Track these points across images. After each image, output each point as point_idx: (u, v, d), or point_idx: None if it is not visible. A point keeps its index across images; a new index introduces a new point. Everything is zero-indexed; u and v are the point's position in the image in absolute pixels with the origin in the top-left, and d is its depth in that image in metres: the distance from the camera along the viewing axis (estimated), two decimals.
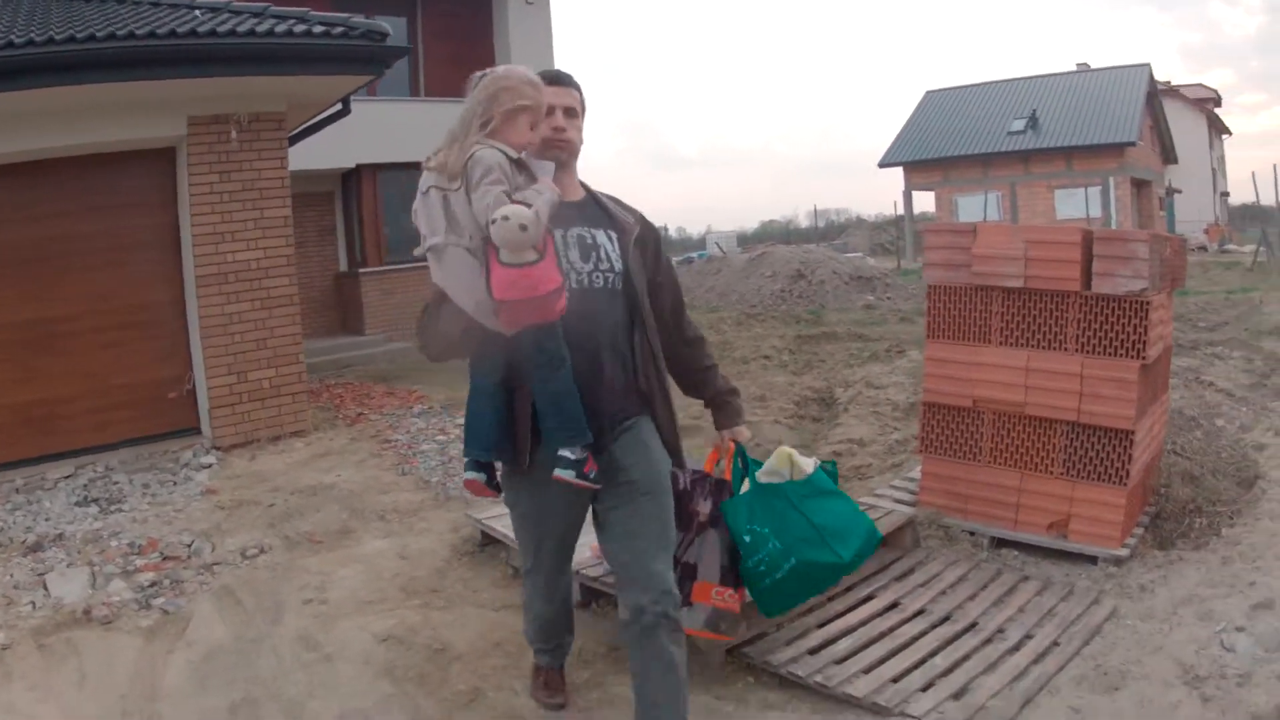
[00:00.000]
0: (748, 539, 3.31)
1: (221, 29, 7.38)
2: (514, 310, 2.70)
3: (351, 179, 14.84)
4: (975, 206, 36.76)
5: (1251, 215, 39.85)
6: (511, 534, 5.21)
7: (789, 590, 3.35)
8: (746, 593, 3.60)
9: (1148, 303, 4.98)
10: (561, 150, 3.06)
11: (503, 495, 3.22)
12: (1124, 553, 5.08)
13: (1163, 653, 4.08)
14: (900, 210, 40.81)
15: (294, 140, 9.49)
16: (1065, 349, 5.21)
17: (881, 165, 40.51)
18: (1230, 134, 57.57)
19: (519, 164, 2.86)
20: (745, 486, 3.44)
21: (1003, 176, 36.94)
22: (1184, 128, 45.88)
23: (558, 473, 2.86)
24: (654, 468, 3.09)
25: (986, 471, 5.49)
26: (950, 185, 38.57)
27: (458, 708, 3.91)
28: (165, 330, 7.98)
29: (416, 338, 3.05)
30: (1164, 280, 5.43)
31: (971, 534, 5.44)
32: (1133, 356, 5.02)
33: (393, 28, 8.48)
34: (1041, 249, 5.26)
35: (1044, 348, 5.28)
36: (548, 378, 2.85)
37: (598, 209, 3.15)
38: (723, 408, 3.51)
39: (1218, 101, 53.98)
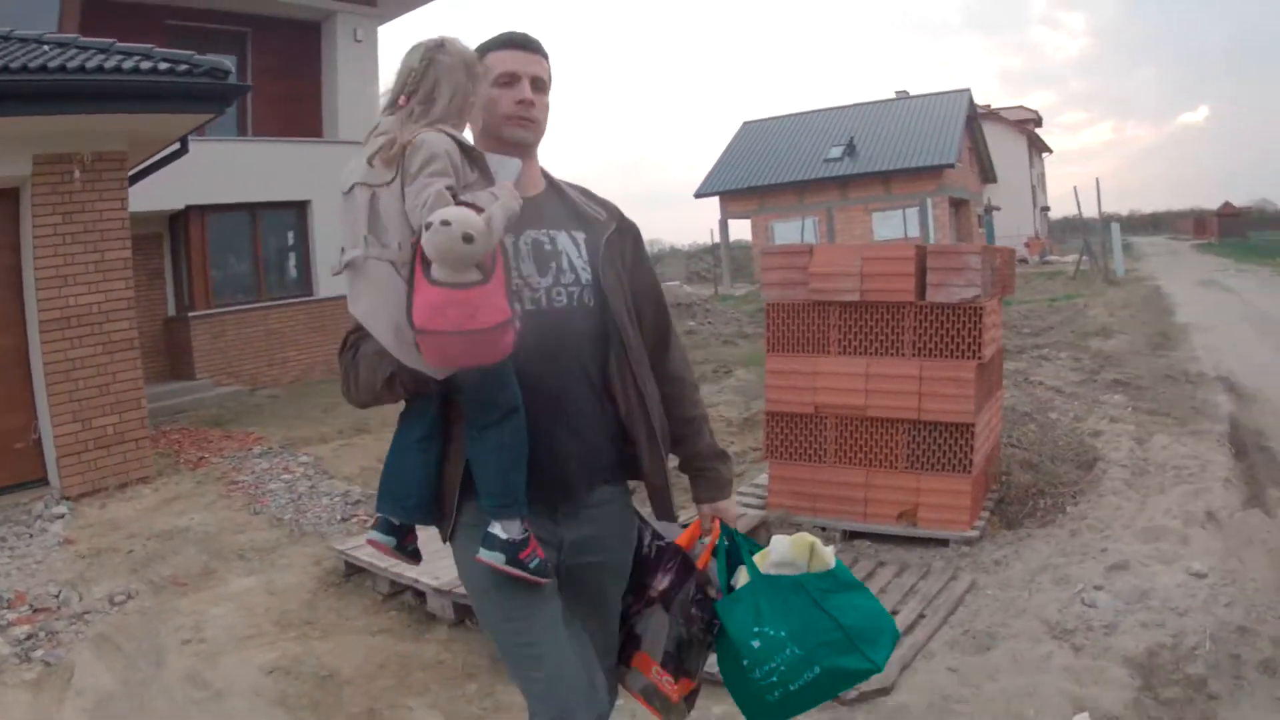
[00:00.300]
0: (756, 644, 2.55)
1: (71, 64, 7.26)
2: (441, 345, 1.99)
3: (179, 221, 14.39)
4: (792, 232, 37.41)
5: (1074, 227, 42.29)
6: (377, 560, 5.36)
7: (800, 701, 2.61)
8: (690, 685, 2.76)
9: (981, 308, 5.39)
10: (526, 130, 2.39)
11: (459, 573, 2.46)
12: (974, 534, 5.50)
13: (1027, 614, 4.48)
14: (716, 238, 41.44)
15: (132, 181, 9.30)
16: (903, 354, 5.59)
17: (698, 195, 40.96)
18: (1051, 152, 61.37)
19: (472, 157, 2.20)
20: (740, 579, 2.68)
21: (819, 202, 37.68)
22: (1004, 148, 48.42)
23: (481, 555, 2.20)
24: (628, 556, 2.55)
25: (832, 471, 5.83)
26: (767, 212, 39.09)
27: None
28: (9, 377, 7.67)
29: (341, 380, 2.35)
30: (995, 287, 5.88)
31: (823, 529, 5.73)
32: (969, 357, 5.42)
33: None
34: (877, 265, 5.66)
35: (882, 354, 5.64)
36: (488, 428, 2.20)
37: (560, 204, 2.49)
38: (705, 474, 2.68)
39: (1038, 122, 57.61)
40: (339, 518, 6.90)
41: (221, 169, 13.29)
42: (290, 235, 15.15)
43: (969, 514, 5.52)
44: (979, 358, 5.44)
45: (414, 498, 2.31)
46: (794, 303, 5.86)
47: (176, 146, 9.76)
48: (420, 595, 5.17)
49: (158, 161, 10.08)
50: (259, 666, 4.52)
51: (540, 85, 2.41)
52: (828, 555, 2.66)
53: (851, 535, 5.72)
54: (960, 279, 5.41)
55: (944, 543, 5.48)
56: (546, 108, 2.45)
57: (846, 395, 5.72)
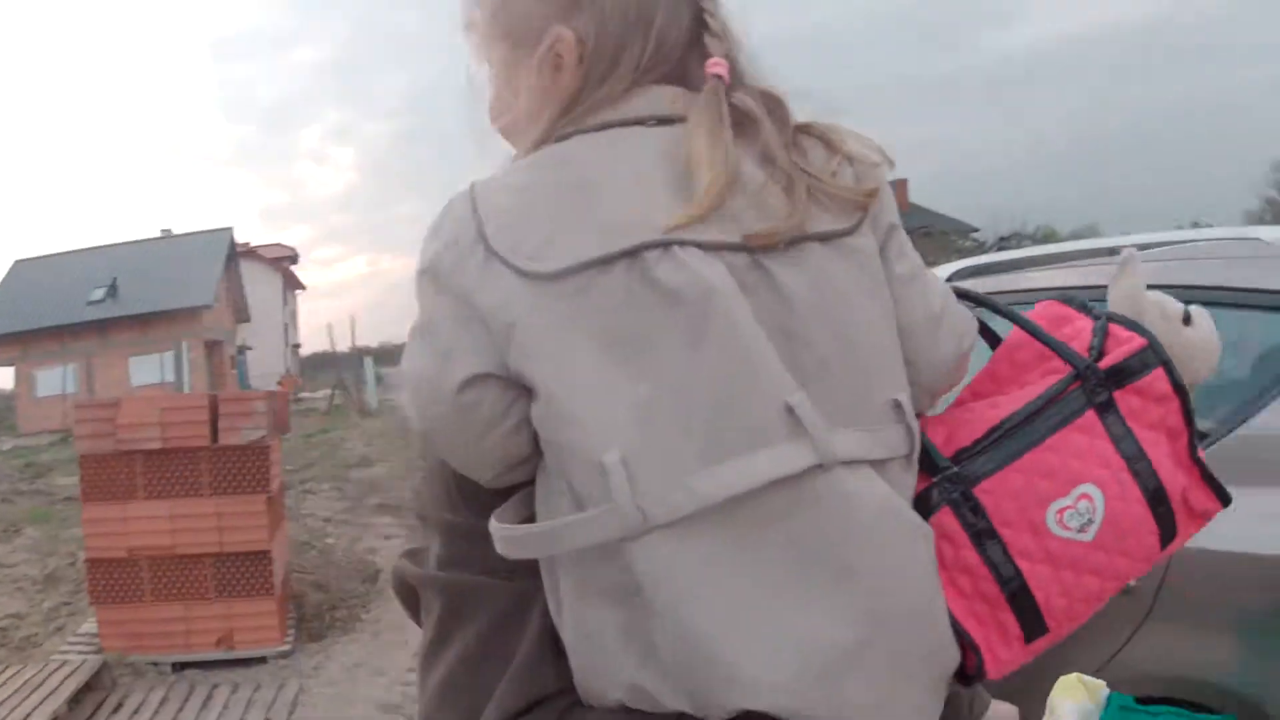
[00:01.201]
0: None
1: None
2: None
3: None
4: (54, 380, 35.87)
5: (326, 363, 43.68)
6: None
7: None
8: None
9: (268, 447, 6.25)
10: None
11: None
12: (288, 647, 6.26)
13: (358, 701, 5.42)
14: None
15: None
16: (202, 494, 6.20)
17: None
18: (304, 288, 62.96)
19: None
20: None
21: (81, 347, 36.51)
22: (260, 286, 49.53)
23: None
24: None
25: (152, 609, 6.19)
26: (31, 360, 37.06)
27: None
28: None
29: None
30: (275, 428, 6.76)
31: (155, 664, 6.10)
32: (260, 491, 6.23)
33: None
34: (175, 414, 6.24)
35: (184, 495, 6.21)
36: None
37: None
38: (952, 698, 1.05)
39: (294, 259, 58.66)
40: None
41: None
42: None
43: (279, 631, 6.24)
44: (268, 491, 6.23)
45: None
46: (104, 453, 6.15)
47: None
48: None
49: None
50: None
51: None
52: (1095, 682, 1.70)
53: (182, 666, 6.11)
54: (249, 422, 6.19)
55: (263, 660, 6.12)
56: None
57: (155, 536, 6.14)
